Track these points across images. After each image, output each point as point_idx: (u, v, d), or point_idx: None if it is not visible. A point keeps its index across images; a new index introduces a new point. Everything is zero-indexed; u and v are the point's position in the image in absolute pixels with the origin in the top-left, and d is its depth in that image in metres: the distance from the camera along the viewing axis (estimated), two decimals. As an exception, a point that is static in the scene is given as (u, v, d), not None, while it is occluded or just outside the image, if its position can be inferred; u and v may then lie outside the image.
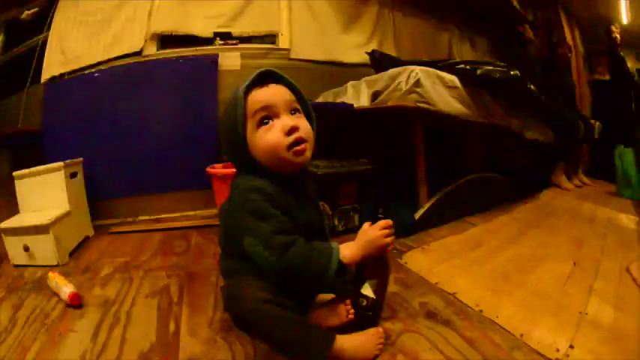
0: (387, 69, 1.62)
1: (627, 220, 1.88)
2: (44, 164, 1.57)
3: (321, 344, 0.67)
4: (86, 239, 1.63)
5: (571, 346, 0.81)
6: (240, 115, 0.72)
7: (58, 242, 1.36)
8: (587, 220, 1.81)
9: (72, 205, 1.52)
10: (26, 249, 1.33)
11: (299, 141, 0.72)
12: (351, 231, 1.47)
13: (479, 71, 1.53)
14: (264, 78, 0.75)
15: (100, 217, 1.84)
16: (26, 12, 2.10)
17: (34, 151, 1.87)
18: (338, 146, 1.70)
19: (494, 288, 1.05)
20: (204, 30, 2.08)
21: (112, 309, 1.00)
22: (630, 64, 3.36)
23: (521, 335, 0.84)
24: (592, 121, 2.79)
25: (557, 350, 0.79)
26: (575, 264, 1.25)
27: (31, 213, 1.47)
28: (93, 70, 1.95)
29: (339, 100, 1.82)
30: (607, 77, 3.64)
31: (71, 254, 1.45)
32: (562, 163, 2.64)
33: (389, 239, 0.78)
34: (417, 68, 1.40)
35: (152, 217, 1.93)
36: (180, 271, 1.26)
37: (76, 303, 1.02)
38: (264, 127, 0.72)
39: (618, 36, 3.25)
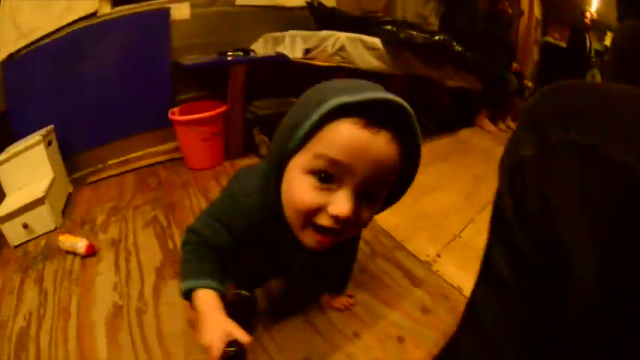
0: (321, 21, 1.95)
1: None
2: (13, 142, 1.68)
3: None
4: (69, 196, 1.77)
5: (438, 255, 1.16)
6: (302, 134, 0.50)
7: (52, 208, 1.47)
8: (497, 161, 2.18)
9: (55, 171, 1.65)
10: (25, 226, 1.39)
11: (330, 230, 0.53)
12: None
13: (402, 35, 1.82)
14: (378, 113, 0.49)
15: (73, 171, 1.99)
16: None
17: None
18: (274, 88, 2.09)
19: (395, 207, 1.43)
20: None
21: (120, 245, 1.26)
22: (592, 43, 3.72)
23: (402, 241, 1.22)
24: (525, 81, 3.09)
25: (427, 256, 1.15)
26: (466, 198, 1.58)
27: (17, 192, 1.54)
28: (49, 39, 1.98)
29: (277, 48, 2.14)
30: (561, 43, 3.96)
31: (62, 213, 1.57)
32: (486, 108, 2.93)
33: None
34: (343, 35, 1.72)
35: (120, 160, 2.15)
36: (161, 202, 1.56)
37: (92, 251, 1.21)
38: (314, 180, 0.51)
39: (589, 22, 3.61)
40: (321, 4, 2.36)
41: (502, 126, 3.07)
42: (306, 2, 2.37)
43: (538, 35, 4.09)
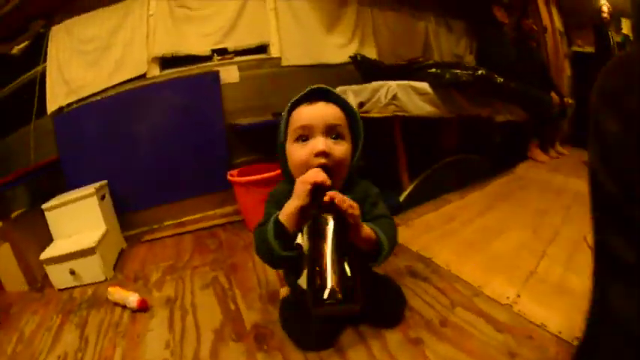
0: (367, 73, 2.04)
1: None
2: (66, 191, 1.80)
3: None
4: (122, 251, 1.83)
5: (518, 295, 1.13)
6: (283, 127, 0.83)
7: (103, 260, 1.52)
8: (556, 191, 2.11)
9: (107, 224, 1.71)
10: (72, 272, 1.45)
11: (322, 166, 0.77)
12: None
13: (447, 76, 1.89)
14: (314, 95, 0.84)
15: (128, 229, 2.07)
16: (16, 47, 2.18)
17: (50, 180, 2.04)
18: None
19: (461, 253, 1.42)
20: (201, 48, 2.33)
21: (176, 303, 1.23)
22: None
23: (479, 286, 1.19)
24: (566, 99, 3.06)
25: (508, 298, 1.13)
26: (533, 232, 1.56)
27: (67, 238, 1.61)
28: (99, 97, 2.14)
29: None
30: (586, 49, 3.88)
31: (114, 267, 1.61)
32: (535, 138, 2.95)
33: (318, 176, 0.73)
34: (394, 84, 1.79)
35: (176, 222, 2.22)
36: (222, 264, 1.53)
37: (144, 307, 1.19)
38: (299, 144, 0.80)
39: (608, 15, 3.50)
40: (364, 57, 2.47)
41: (553, 153, 3.08)
42: (350, 57, 2.49)
43: (565, 48, 4.05)
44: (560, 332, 0.96)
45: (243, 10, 2.41)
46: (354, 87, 2.05)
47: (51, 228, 1.66)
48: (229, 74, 2.35)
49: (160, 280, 1.44)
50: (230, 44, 2.41)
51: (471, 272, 1.30)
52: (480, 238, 1.55)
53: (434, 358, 0.92)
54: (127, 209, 2.10)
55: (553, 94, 2.89)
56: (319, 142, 0.78)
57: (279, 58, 2.50)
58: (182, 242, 1.89)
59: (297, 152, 0.80)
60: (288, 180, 0.86)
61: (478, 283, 1.22)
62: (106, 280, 1.50)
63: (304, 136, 0.80)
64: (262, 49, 2.51)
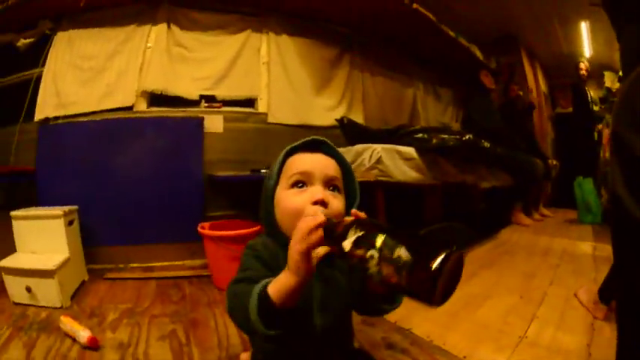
0: (353, 136, 2.04)
1: (584, 246, 2.21)
2: (37, 204, 1.79)
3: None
4: (83, 283, 1.79)
5: None
6: (276, 171, 0.75)
7: (61, 286, 1.48)
8: (542, 253, 2.14)
9: (71, 251, 1.66)
10: (28, 290, 1.45)
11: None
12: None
13: (434, 140, 1.93)
14: (315, 145, 0.79)
15: (92, 262, 2.00)
16: (22, 40, 2.23)
17: (26, 187, 2.04)
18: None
19: (444, 323, 1.36)
20: (191, 92, 2.35)
21: (129, 350, 1.17)
22: (592, 93, 3.81)
23: (465, 357, 1.14)
24: (550, 161, 3.19)
25: None
26: (521, 297, 1.55)
27: (30, 254, 1.60)
28: (86, 118, 2.14)
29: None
30: (569, 109, 4.10)
31: (72, 297, 1.58)
32: (519, 202, 2.99)
33: (319, 214, 0.61)
34: (379, 147, 1.81)
35: (143, 265, 2.13)
36: (182, 317, 1.46)
37: (94, 346, 1.15)
38: (295, 190, 0.72)
39: (585, 72, 3.72)
40: (351, 121, 2.54)
41: (537, 216, 3.16)
42: (337, 120, 2.55)
43: (549, 110, 4.32)
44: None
45: (237, 59, 2.48)
46: (339, 149, 2.08)
47: (15, 238, 1.64)
48: (214, 123, 2.36)
49: (116, 322, 1.39)
50: (219, 92, 2.44)
51: (455, 342, 1.24)
52: (463, 307, 1.50)
53: None
54: (94, 241, 2.03)
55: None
56: (318, 191, 0.71)
57: (266, 114, 2.53)
58: (145, 287, 1.83)
59: (291, 199, 0.72)
60: (270, 232, 0.77)
61: (463, 354, 1.16)
62: (61, 307, 1.47)
63: (301, 183, 0.73)
64: (250, 102, 2.55)
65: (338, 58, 2.89)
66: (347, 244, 0.53)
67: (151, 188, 2.19)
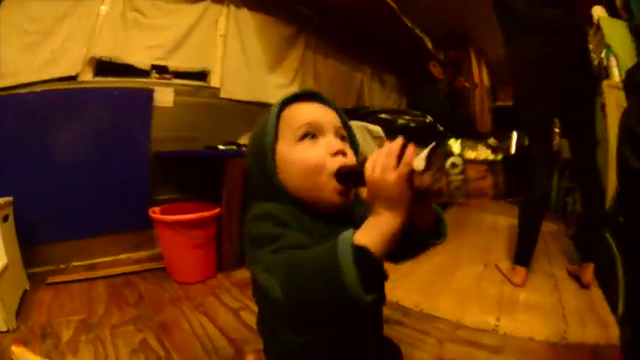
0: None
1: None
2: None
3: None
4: (25, 294, 1.49)
5: (498, 319, 1.24)
6: (272, 125, 0.64)
7: (2, 302, 1.19)
8: (490, 229, 2.41)
9: (8, 256, 1.35)
10: None
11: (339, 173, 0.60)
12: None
13: (400, 121, 2.00)
14: (309, 97, 0.70)
15: (30, 265, 1.70)
16: None
17: None
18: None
19: (426, 292, 1.45)
20: (142, 61, 2.14)
21: None
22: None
23: (458, 320, 1.24)
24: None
25: (489, 324, 1.22)
26: (485, 265, 1.75)
27: None
28: (26, 90, 1.82)
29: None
30: (508, 102, 4.42)
31: (17, 315, 1.30)
32: None
33: (403, 168, 0.46)
34: (352, 123, 1.80)
35: (85, 263, 1.90)
36: (148, 322, 1.26)
37: None
38: (307, 142, 0.62)
39: None
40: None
41: None
42: None
43: (490, 102, 4.70)
44: (548, 338, 1.12)
45: (193, 29, 2.32)
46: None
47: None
48: (164, 96, 2.16)
49: (74, 341, 1.14)
50: (172, 63, 2.26)
51: (445, 308, 1.33)
52: (440, 276, 1.62)
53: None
54: (30, 240, 1.71)
55: None
56: (335, 141, 0.63)
57: (218, 89, 2.40)
58: (93, 290, 1.60)
59: (305, 153, 0.61)
60: (271, 197, 0.62)
61: (456, 318, 1.26)
62: (7, 331, 1.19)
63: (312, 134, 0.63)
64: (202, 76, 2.40)
65: (294, 37, 2.85)
66: (419, 162, 0.45)
67: (91, 171, 1.92)
